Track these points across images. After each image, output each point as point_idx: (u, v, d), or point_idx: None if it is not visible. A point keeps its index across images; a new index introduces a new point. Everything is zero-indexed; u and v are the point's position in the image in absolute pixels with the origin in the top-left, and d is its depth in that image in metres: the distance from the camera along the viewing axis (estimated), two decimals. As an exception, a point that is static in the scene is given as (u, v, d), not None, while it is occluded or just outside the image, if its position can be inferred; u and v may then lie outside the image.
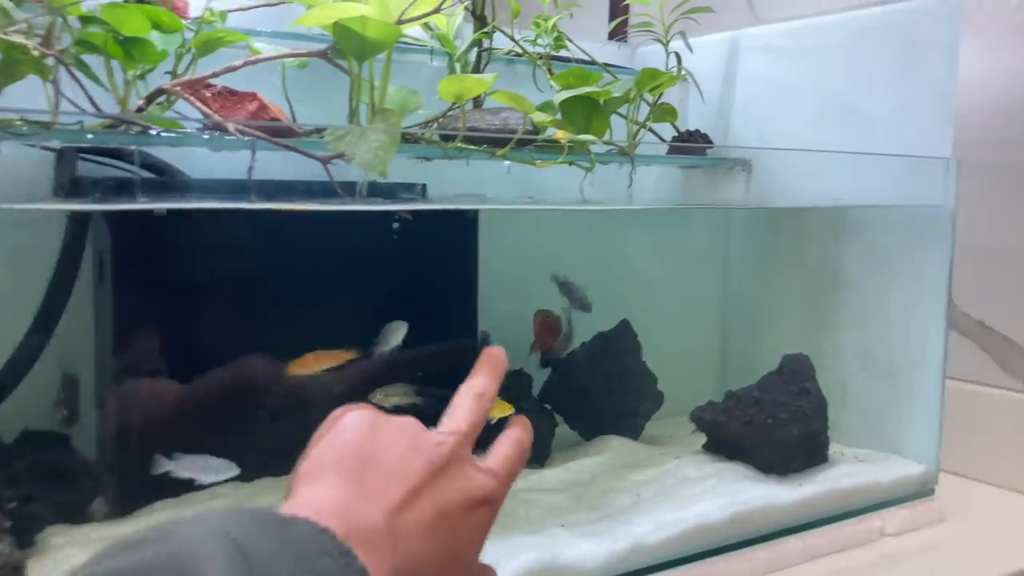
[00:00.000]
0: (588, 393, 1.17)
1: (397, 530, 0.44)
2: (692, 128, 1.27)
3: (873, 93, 1.17)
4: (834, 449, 1.13)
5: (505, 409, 1.02)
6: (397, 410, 0.98)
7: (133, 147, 0.88)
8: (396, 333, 0.97)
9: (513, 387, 1.11)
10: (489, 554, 0.81)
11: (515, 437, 0.56)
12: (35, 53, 0.73)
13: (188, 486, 0.84)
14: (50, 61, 0.75)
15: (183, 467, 0.83)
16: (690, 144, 1.22)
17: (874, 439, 1.17)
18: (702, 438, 1.15)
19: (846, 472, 1.08)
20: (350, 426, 0.48)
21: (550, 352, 1.18)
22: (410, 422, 0.50)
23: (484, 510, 0.50)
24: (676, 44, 1.18)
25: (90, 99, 0.80)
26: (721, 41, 1.34)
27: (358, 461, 0.46)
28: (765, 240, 1.34)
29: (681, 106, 1.27)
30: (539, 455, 1.10)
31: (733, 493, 0.98)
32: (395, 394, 0.96)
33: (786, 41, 1.27)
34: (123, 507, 0.87)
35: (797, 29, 1.26)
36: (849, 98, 1.19)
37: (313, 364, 0.93)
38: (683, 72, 1.17)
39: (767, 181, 1.23)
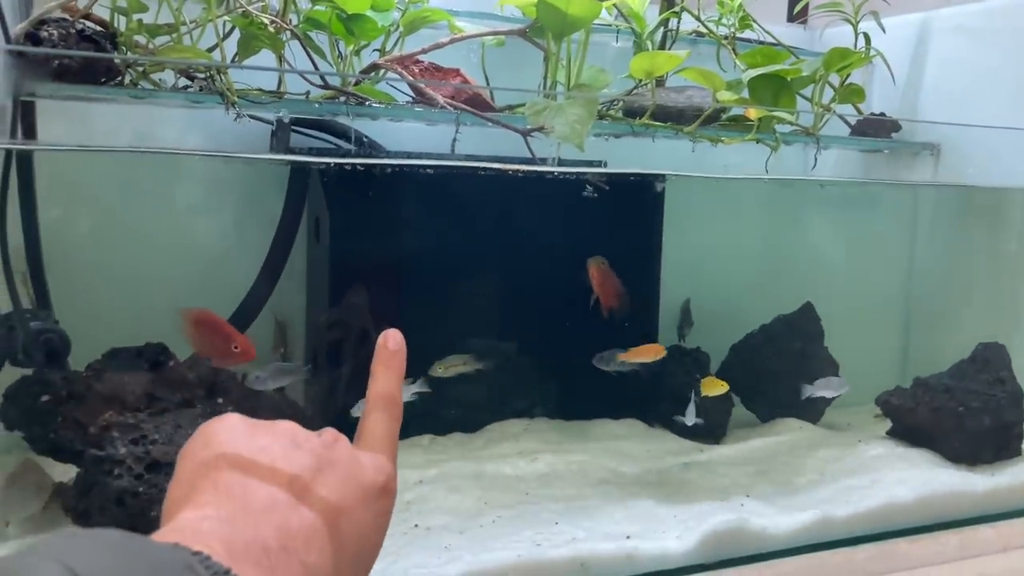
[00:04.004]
0: (768, 375, 1.16)
1: (294, 539, 0.40)
2: (877, 111, 1.24)
3: (1082, 73, 1.11)
4: (1028, 443, 1.08)
5: (720, 386, 1.04)
6: (461, 378, 0.98)
7: (330, 118, 0.95)
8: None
9: (691, 364, 1.12)
10: (677, 515, 0.83)
11: (387, 414, 0.50)
12: (271, 29, 0.80)
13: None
14: (282, 36, 0.82)
15: None
16: (879, 120, 1.19)
17: (1073, 435, 1.11)
18: (885, 426, 1.12)
19: (1041, 466, 1.03)
20: (220, 436, 0.43)
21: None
22: (287, 424, 0.45)
23: (384, 501, 0.46)
24: (864, 25, 1.16)
25: (319, 73, 0.86)
26: (911, 23, 1.29)
27: (237, 473, 0.41)
28: (956, 226, 1.30)
29: (866, 88, 1.24)
30: (715, 432, 1.10)
31: (921, 477, 0.96)
32: (454, 364, 0.96)
33: (982, 21, 1.22)
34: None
35: (995, 9, 1.21)
36: (1053, 79, 1.13)
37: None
38: (872, 53, 1.14)
39: (958, 165, 1.19)
